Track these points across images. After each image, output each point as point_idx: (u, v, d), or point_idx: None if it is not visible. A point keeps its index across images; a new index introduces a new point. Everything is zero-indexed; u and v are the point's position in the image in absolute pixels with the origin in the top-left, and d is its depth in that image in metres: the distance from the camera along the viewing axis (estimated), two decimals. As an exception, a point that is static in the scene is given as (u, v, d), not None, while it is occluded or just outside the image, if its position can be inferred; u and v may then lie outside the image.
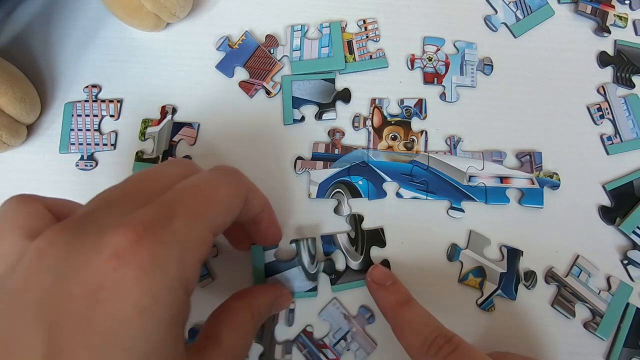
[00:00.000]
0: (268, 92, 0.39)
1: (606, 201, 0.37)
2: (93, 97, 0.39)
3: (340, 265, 0.35)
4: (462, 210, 0.36)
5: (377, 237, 0.35)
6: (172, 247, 0.19)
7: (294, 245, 0.34)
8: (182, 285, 0.19)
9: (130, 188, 0.22)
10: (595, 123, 0.39)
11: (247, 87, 0.39)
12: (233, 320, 0.26)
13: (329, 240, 0.35)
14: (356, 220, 0.36)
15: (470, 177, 0.37)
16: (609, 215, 0.37)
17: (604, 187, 0.37)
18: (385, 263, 0.35)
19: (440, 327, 0.28)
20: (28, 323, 0.17)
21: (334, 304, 0.34)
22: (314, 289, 0.34)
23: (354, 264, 0.35)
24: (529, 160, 0.37)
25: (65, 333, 0.17)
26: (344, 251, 0.35)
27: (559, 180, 0.37)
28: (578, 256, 0.36)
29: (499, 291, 0.35)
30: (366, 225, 0.36)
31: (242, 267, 0.34)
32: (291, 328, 0.33)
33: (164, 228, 0.19)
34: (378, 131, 0.38)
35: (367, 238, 0.35)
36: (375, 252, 0.35)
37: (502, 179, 0.37)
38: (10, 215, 0.21)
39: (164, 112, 0.38)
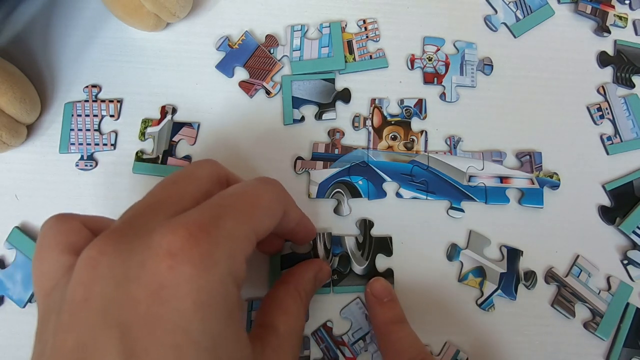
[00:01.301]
0: (268, 92, 0.39)
1: (606, 201, 0.37)
2: (93, 97, 0.39)
3: (343, 268, 0.35)
4: (462, 210, 0.36)
5: (385, 245, 0.35)
6: (223, 244, 0.20)
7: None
8: (233, 279, 0.20)
9: (168, 192, 0.23)
10: (595, 123, 0.39)
11: (247, 87, 0.39)
12: (284, 306, 0.27)
13: (337, 241, 0.35)
14: (366, 225, 0.36)
15: (470, 177, 0.37)
16: (609, 215, 0.37)
17: (604, 187, 0.37)
18: (389, 272, 0.35)
19: (425, 351, 0.30)
20: (100, 329, 0.18)
21: (357, 302, 0.34)
22: (329, 283, 0.34)
23: (358, 269, 0.35)
24: (529, 160, 0.37)
25: (136, 334, 0.17)
26: (350, 254, 0.35)
27: (559, 180, 0.37)
28: (578, 256, 0.36)
29: (499, 291, 0.35)
30: (376, 231, 0.36)
31: (256, 259, 0.34)
32: (308, 323, 0.33)
33: (214, 227, 0.20)
34: (378, 131, 0.38)
35: (374, 245, 0.35)
36: (381, 260, 0.35)
37: (502, 179, 0.37)
38: (49, 234, 0.22)
39: (164, 112, 0.38)
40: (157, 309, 0.18)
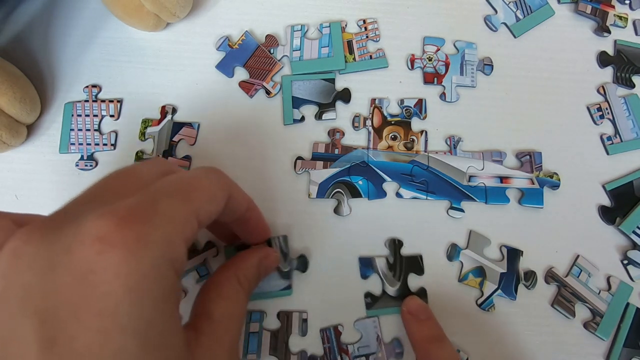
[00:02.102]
0: (268, 92, 0.39)
1: (606, 201, 0.37)
2: (93, 97, 0.39)
3: (376, 289, 0.34)
4: (462, 210, 0.36)
5: (416, 264, 0.35)
6: (156, 227, 0.19)
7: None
8: (170, 263, 0.19)
9: (109, 185, 0.22)
10: (595, 123, 0.39)
11: (247, 87, 0.39)
12: (220, 291, 0.26)
13: (367, 263, 0.35)
14: (395, 245, 0.35)
15: (470, 177, 0.37)
16: (609, 215, 0.37)
17: (604, 187, 0.37)
18: (423, 292, 0.34)
19: None
20: (18, 319, 0.17)
21: (373, 320, 0.34)
22: (288, 287, 0.34)
23: (391, 290, 0.34)
24: (529, 160, 0.37)
25: (60, 321, 0.17)
26: (382, 276, 0.34)
27: (559, 180, 0.37)
28: (578, 256, 0.36)
29: (499, 291, 0.35)
30: (406, 250, 0.35)
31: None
32: (305, 338, 0.33)
33: (149, 211, 0.19)
34: (378, 131, 0.38)
35: (405, 264, 0.35)
36: (413, 280, 0.35)
37: (502, 179, 0.37)
38: None
39: (164, 112, 0.38)
40: (83, 293, 0.17)
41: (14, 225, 0.21)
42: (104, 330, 0.17)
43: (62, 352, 0.17)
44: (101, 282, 0.17)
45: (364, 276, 0.35)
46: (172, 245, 0.20)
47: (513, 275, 0.35)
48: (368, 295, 0.34)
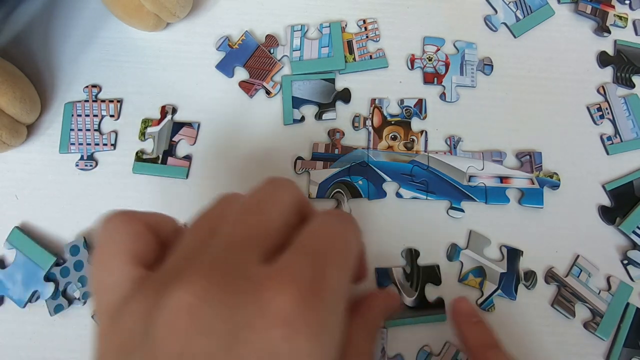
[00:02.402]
0: (268, 92, 0.39)
1: (606, 201, 0.37)
2: (93, 97, 0.39)
3: None
4: (462, 210, 0.36)
5: (433, 273, 0.35)
6: (333, 310, 0.18)
7: None
8: (341, 344, 0.18)
9: (255, 220, 0.20)
10: (595, 123, 0.39)
11: (247, 87, 0.39)
12: (353, 344, 0.23)
13: (384, 273, 0.34)
14: (412, 255, 0.35)
15: (470, 177, 0.37)
16: (609, 215, 0.37)
17: (604, 187, 0.37)
18: (440, 302, 0.34)
19: None
20: None
21: (382, 331, 0.33)
22: None
23: (408, 300, 0.34)
24: (529, 160, 0.37)
25: None
26: (399, 286, 0.34)
27: (559, 180, 0.37)
28: (578, 256, 0.36)
29: (499, 291, 0.35)
30: (422, 261, 0.35)
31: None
32: None
33: (322, 285, 0.17)
34: (378, 131, 0.38)
35: (422, 274, 0.35)
36: (430, 290, 0.34)
37: (502, 179, 0.37)
38: (112, 238, 0.20)
39: (164, 112, 0.38)
40: None
41: (149, 232, 0.20)
42: None
43: None
44: None
45: (381, 286, 0.34)
46: (342, 323, 0.18)
47: (513, 275, 0.35)
48: None
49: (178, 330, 0.15)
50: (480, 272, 0.35)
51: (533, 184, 0.37)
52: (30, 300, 0.34)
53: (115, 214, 0.20)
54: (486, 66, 0.40)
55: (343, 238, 0.20)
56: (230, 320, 0.16)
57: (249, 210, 0.20)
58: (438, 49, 0.40)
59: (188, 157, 0.37)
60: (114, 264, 0.19)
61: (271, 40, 0.40)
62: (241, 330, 0.16)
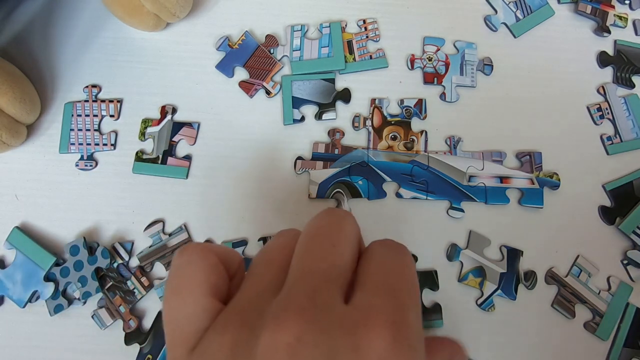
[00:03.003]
0: (268, 92, 0.39)
1: (606, 201, 0.37)
2: (93, 97, 0.39)
3: None
4: (462, 210, 0.36)
5: (431, 279, 0.35)
6: (420, 349, 0.18)
7: (261, 242, 0.35)
8: None
9: (331, 256, 0.19)
10: (595, 123, 0.39)
11: (247, 87, 0.39)
12: None
13: None
14: None
15: (470, 177, 0.37)
16: (609, 215, 0.37)
17: (604, 187, 0.37)
18: (437, 308, 0.34)
19: None
20: None
21: None
22: None
23: None
24: (529, 160, 0.37)
25: None
26: None
27: (559, 180, 0.37)
28: (578, 256, 0.36)
29: (499, 291, 0.35)
30: (420, 265, 0.35)
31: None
32: None
33: (408, 326, 0.17)
34: (378, 131, 0.38)
35: (419, 279, 0.35)
36: (427, 295, 0.34)
37: (502, 179, 0.37)
38: (188, 271, 0.20)
39: (164, 112, 0.38)
40: None
41: (221, 264, 0.20)
42: None
43: None
44: None
45: None
46: None
47: (513, 275, 0.35)
48: None
49: None
50: (480, 272, 0.35)
51: (533, 184, 0.37)
52: (30, 300, 0.34)
53: (191, 246, 0.20)
54: (486, 66, 0.40)
55: (410, 273, 0.20)
56: None
57: (321, 246, 0.20)
58: (438, 49, 0.40)
59: (188, 157, 0.37)
60: (190, 295, 0.19)
61: (271, 40, 0.40)
62: None
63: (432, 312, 0.34)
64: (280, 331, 0.16)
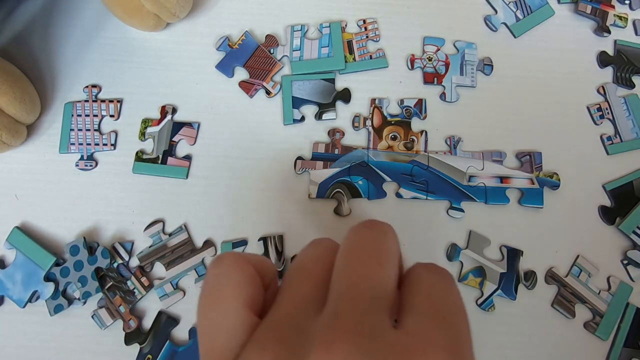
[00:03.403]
0: (268, 92, 0.39)
1: (606, 201, 0.37)
2: (93, 97, 0.39)
3: None
4: (462, 210, 0.36)
5: None
6: None
7: (261, 242, 0.35)
8: None
9: (377, 277, 0.19)
10: (595, 123, 0.39)
11: (247, 87, 0.39)
12: None
13: None
14: None
15: (470, 177, 0.37)
16: (609, 215, 0.37)
17: (604, 187, 0.37)
18: None
19: None
20: None
21: None
22: None
23: None
24: (529, 160, 0.37)
25: None
26: None
27: (559, 180, 0.37)
28: (578, 256, 0.36)
29: (499, 291, 0.35)
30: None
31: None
32: None
33: (462, 354, 0.17)
34: (378, 131, 0.38)
35: None
36: None
37: (502, 179, 0.37)
38: (226, 282, 0.19)
39: (164, 112, 0.38)
40: None
41: (257, 275, 0.20)
42: None
43: None
44: None
45: None
46: None
47: (513, 275, 0.35)
48: None
49: None
50: (480, 272, 0.35)
51: (533, 184, 0.37)
52: (30, 300, 0.34)
53: (227, 256, 0.20)
54: (486, 66, 0.40)
55: (462, 303, 0.19)
56: None
57: (366, 264, 0.19)
58: (438, 49, 0.40)
59: (188, 157, 0.37)
60: (228, 306, 0.18)
61: (271, 40, 0.40)
62: None
63: None
64: (329, 357, 0.15)
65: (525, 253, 0.35)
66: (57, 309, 0.34)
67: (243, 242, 0.35)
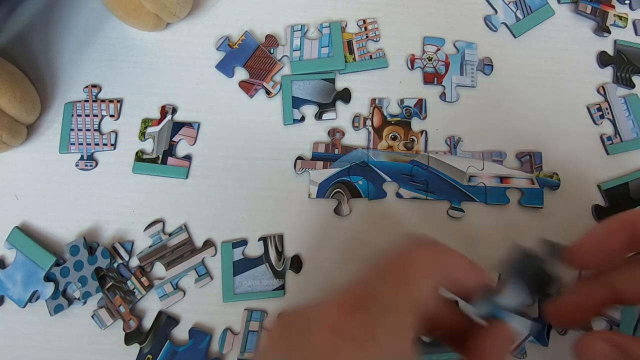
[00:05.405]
0: (268, 92, 0.39)
1: (602, 201, 0.37)
2: (93, 97, 0.39)
3: None
4: (462, 210, 0.36)
5: None
6: (380, 318, 0.19)
7: (261, 242, 0.35)
8: (399, 355, 0.19)
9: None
10: (595, 123, 0.39)
11: (247, 87, 0.39)
12: None
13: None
14: None
15: (470, 177, 0.37)
16: (604, 215, 0.36)
17: (599, 187, 0.37)
18: None
19: None
20: None
21: None
22: (281, 287, 0.34)
23: (424, 337, 0.32)
24: (529, 160, 0.37)
25: None
26: None
27: (559, 180, 0.37)
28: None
29: (531, 338, 0.34)
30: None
31: (242, 267, 0.34)
32: None
33: (370, 298, 0.19)
34: (378, 131, 0.38)
35: None
36: None
37: (502, 179, 0.37)
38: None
39: (164, 112, 0.38)
40: None
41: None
42: None
43: None
44: None
45: None
46: (396, 338, 0.19)
47: (544, 321, 0.33)
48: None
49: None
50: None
51: (533, 184, 0.37)
52: (30, 300, 0.34)
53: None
54: (486, 66, 0.40)
55: (402, 258, 0.22)
56: (290, 334, 0.20)
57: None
58: (438, 49, 0.40)
59: (188, 157, 0.37)
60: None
61: (271, 40, 0.40)
62: (297, 339, 0.19)
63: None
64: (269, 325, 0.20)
65: (525, 253, 0.35)
66: (57, 309, 0.34)
67: (243, 242, 0.35)
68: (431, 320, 0.22)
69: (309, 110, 0.39)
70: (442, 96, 0.39)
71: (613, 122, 0.39)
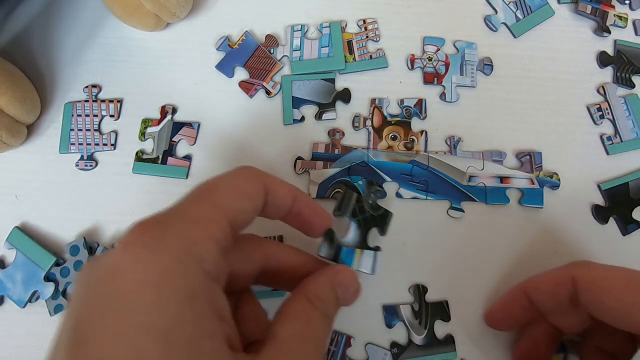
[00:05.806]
0: (268, 92, 0.39)
1: (601, 200, 0.37)
2: (93, 97, 0.39)
3: (402, 339, 0.33)
4: (462, 210, 0.36)
5: (442, 310, 0.34)
6: (174, 226, 0.20)
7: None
8: (194, 262, 0.19)
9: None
10: (595, 123, 0.39)
11: (247, 87, 0.39)
12: (286, 311, 0.24)
13: (392, 311, 0.34)
14: (420, 291, 0.34)
15: (470, 177, 0.37)
16: (603, 214, 0.36)
17: (598, 187, 0.37)
18: (450, 340, 0.33)
19: None
20: (63, 324, 0.19)
21: (385, 353, 0.33)
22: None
23: (418, 339, 0.33)
24: (529, 160, 0.37)
25: (90, 320, 0.18)
26: (407, 324, 0.33)
27: (559, 180, 0.37)
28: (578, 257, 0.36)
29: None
30: (430, 296, 0.34)
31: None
32: (338, 319, 0.29)
33: (167, 215, 0.21)
34: (378, 131, 0.38)
35: (431, 311, 0.34)
36: (439, 327, 0.33)
37: (502, 179, 0.37)
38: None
39: (164, 112, 0.38)
40: (108, 290, 0.18)
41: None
42: (122, 328, 0.17)
43: (85, 357, 0.17)
44: (120, 279, 0.18)
45: (389, 325, 0.33)
46: (194, 244, 0.20)
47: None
48: (394, 345, 0.33)
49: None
50: (561, 347, 0.32)
51: (533, 184, 0.37)
52: (30, 300, 0.34)
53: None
54: (486, 66, 0.40)
55: (213, 181, 0.24)
56: (96, 261, 0.21)
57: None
58: (438, 49, 0.40)
59: (188, 157, 0.37)
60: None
61: (271, 40, 0.40)
62: (99, 264, 0.20)
63: (446, 344, 0.33)
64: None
65: (525, 253, 0.35)
66: (57, 309, 0.34)
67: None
68: (277, 267, 0.26)
69: (309, 110, 0.39)
70: (442, 96, 0.39)
71: (613, 122, 0.39)
